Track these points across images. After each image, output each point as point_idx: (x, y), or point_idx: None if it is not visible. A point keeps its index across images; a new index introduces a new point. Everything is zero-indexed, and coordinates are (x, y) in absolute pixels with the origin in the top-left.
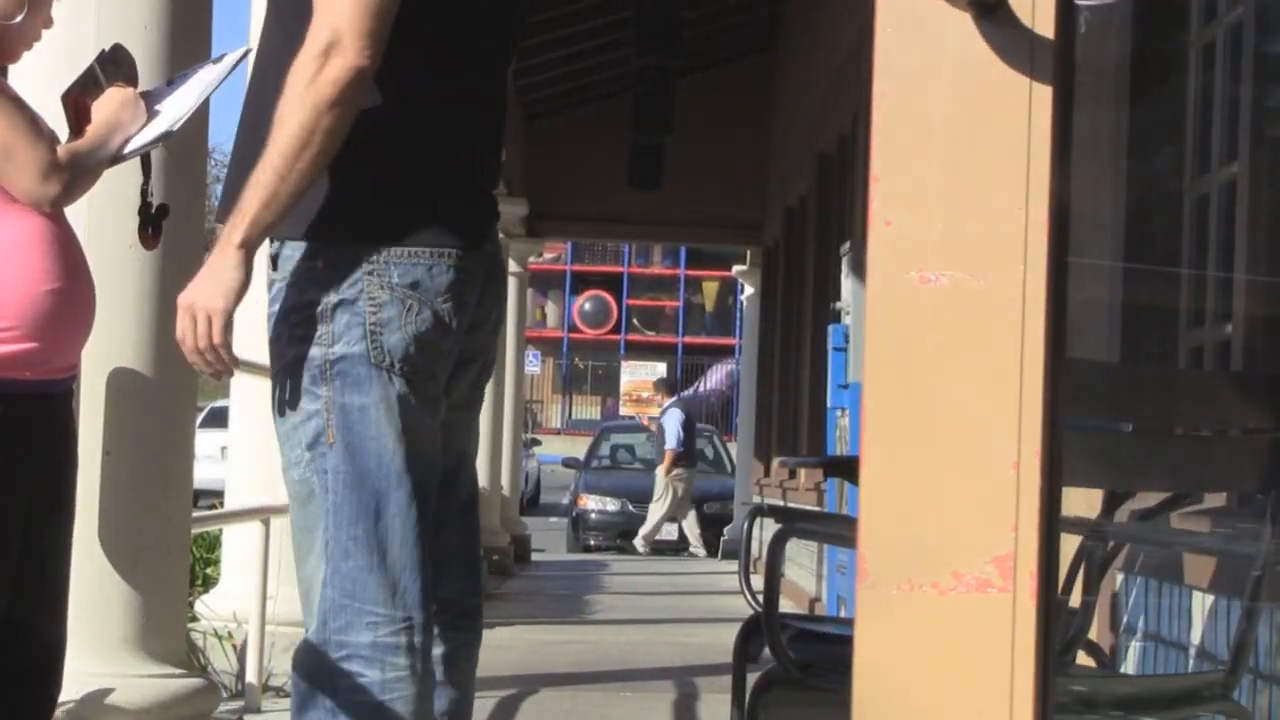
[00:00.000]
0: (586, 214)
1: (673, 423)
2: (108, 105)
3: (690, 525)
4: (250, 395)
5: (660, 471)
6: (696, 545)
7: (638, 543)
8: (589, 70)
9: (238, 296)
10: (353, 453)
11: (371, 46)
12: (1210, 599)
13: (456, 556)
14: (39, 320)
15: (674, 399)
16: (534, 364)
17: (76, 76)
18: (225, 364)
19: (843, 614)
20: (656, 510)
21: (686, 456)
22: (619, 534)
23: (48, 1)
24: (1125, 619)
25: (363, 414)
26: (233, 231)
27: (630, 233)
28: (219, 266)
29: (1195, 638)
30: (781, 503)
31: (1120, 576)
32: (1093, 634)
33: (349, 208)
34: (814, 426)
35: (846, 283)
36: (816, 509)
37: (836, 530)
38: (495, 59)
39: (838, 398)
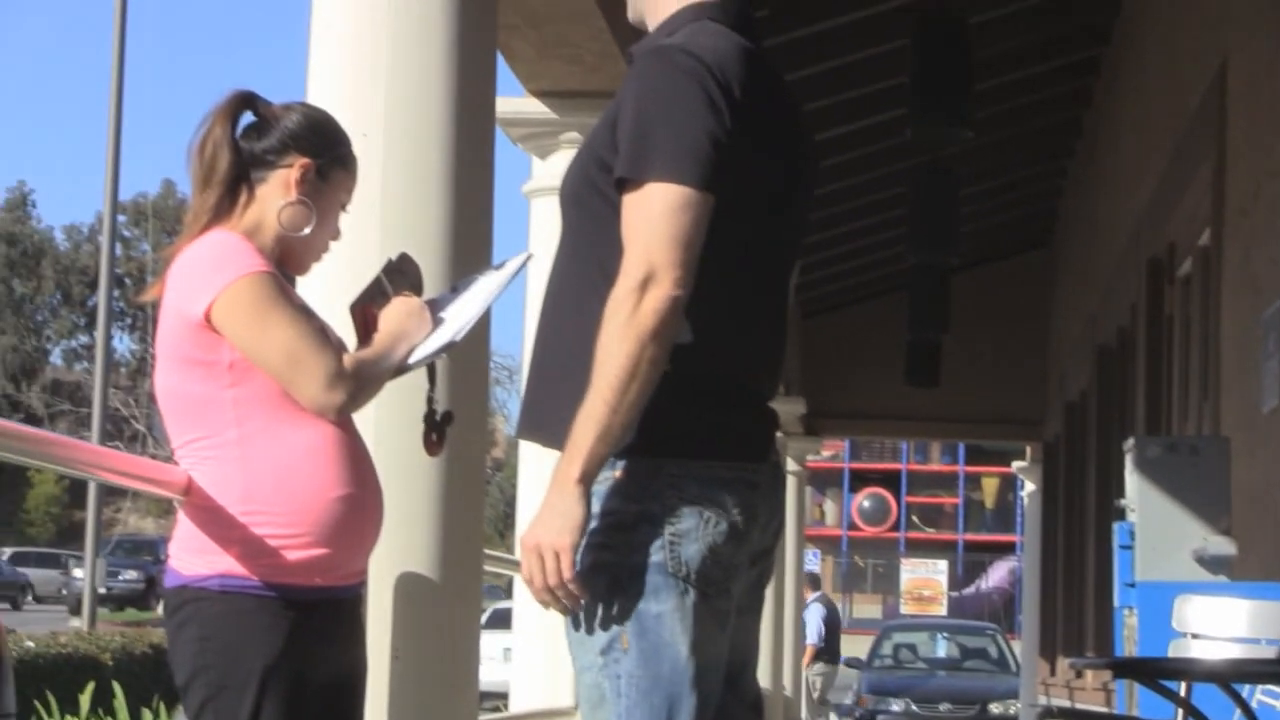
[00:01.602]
0: (864, 411)
1: (814, 617)
2: (394, 315)
3: None
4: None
5: (803, 666)
6: None
7: None
8: (864, 268)
9: (582, 532)
10: (647, 659)
11: (685, 277)
12: None
13: None
14: (329, 527)
15: (817, 594)
16: (813, 562)
17: (364, 286)
18: (575, 600)
19: None
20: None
21: (828, 652)
22: None
23: (335, 214)
24: None
25: (658, 622)
26: (569, 467)
27: (908, 430)
28: (560, 504)
29: None
30: (1070, 704)
31: None
32: None
33: (649, 421)
34: (1100, 625)
35: (1131, 479)
36: (1106, 711)
37: None
38: (781, 274)
39: (1125, 596)
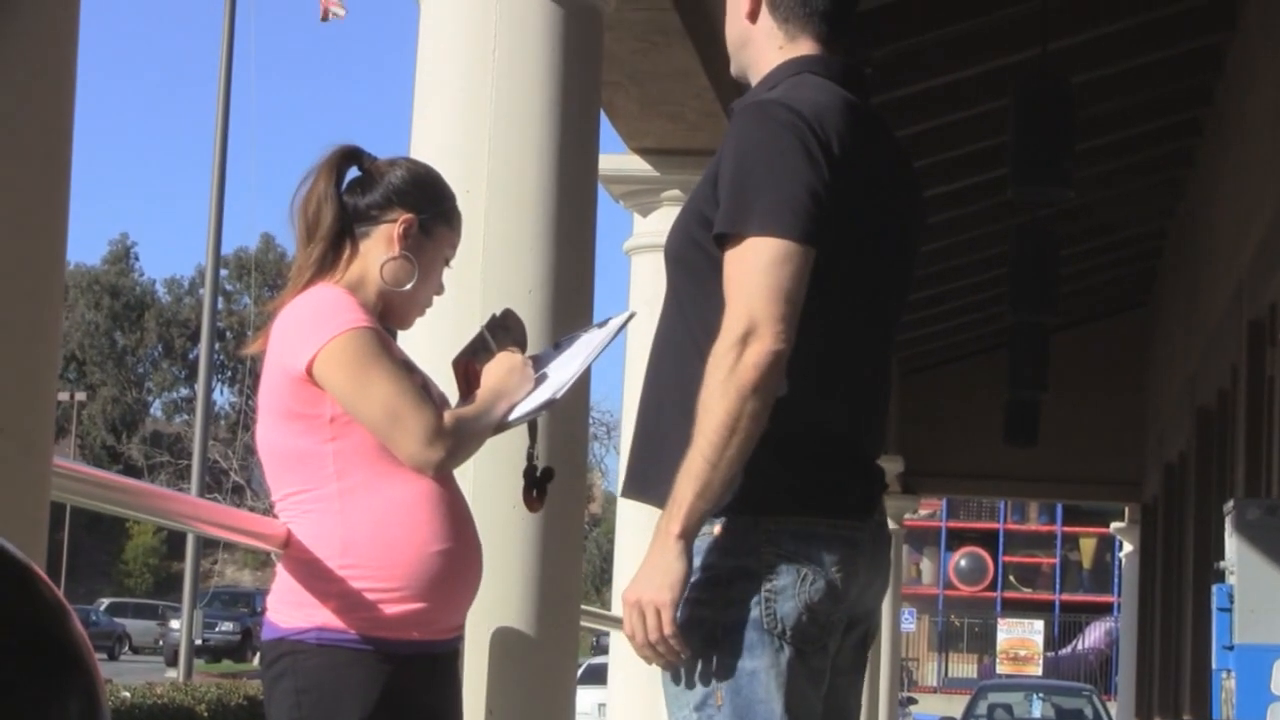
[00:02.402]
0: (961, 470)
1: None
2: (496, 371)
3: None
4: (629, 652)
5: None
6: None
7: None
8: (963, 327)
9: (683, 587)
10: (741, 716)
11: (786, 331)
12: None
13: None
14: (427, 581)
15: None
16: (909, 621)
17: (467, 341)
18: (677, 655)
19: None
20: None
21: None
22: None
23: (438, 269)
24: None
25: (752, 679)
26: (670, 523)
27: (1006, 489)
28: (661, 560)
29: None
30: None
31: None
32: None
33: (748, 477)
34: (1197, 688)
35: (1230, 542)
36: None
37: None
38: (884, 328)
39: (1223, 659)
